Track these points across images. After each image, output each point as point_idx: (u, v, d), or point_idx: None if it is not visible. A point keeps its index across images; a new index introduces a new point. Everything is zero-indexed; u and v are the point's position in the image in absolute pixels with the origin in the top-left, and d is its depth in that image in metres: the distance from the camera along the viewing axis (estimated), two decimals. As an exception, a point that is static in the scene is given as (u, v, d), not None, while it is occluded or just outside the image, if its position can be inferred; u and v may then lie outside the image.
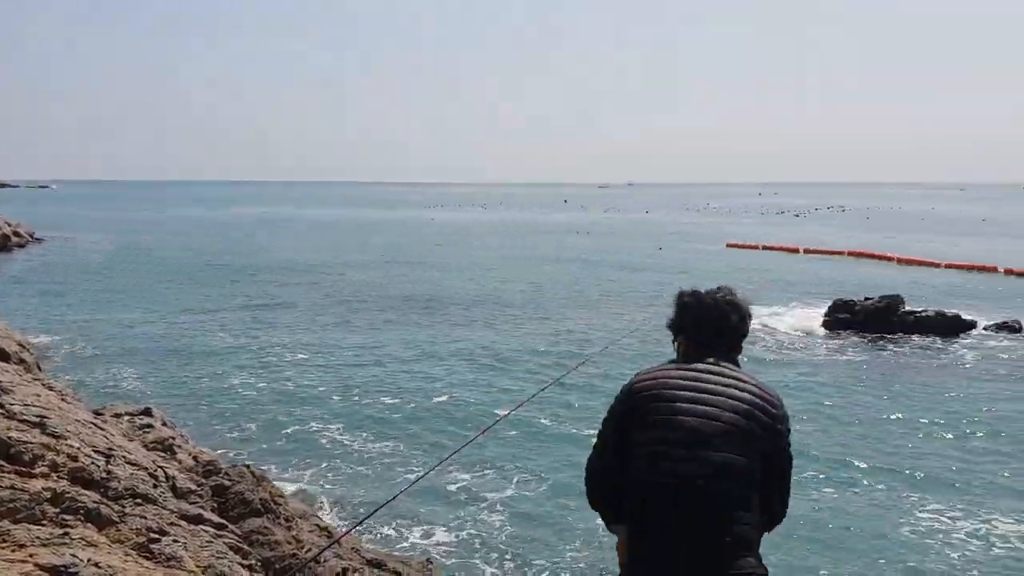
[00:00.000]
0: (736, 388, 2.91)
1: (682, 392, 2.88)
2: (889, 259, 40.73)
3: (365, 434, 13.42)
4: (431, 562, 7.10)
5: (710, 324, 3.10)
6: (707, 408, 2.83)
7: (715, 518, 2.74)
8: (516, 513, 10.38)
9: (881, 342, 21.33)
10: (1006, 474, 11.70)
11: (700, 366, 2.99)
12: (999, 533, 9.78)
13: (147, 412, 9.22)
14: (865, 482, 11.41)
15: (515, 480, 11.41)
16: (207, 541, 5.07)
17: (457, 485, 11.24)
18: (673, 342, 3.26)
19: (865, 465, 12.01)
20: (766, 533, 2.94)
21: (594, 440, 3.11)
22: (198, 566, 4.53)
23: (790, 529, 9.21)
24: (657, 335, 19.44)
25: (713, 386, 2.90)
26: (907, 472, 11.75)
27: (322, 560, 5.71)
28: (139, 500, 5.24)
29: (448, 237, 57.86)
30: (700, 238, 57.35)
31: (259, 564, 5.50)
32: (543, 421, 13.56)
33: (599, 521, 3.20)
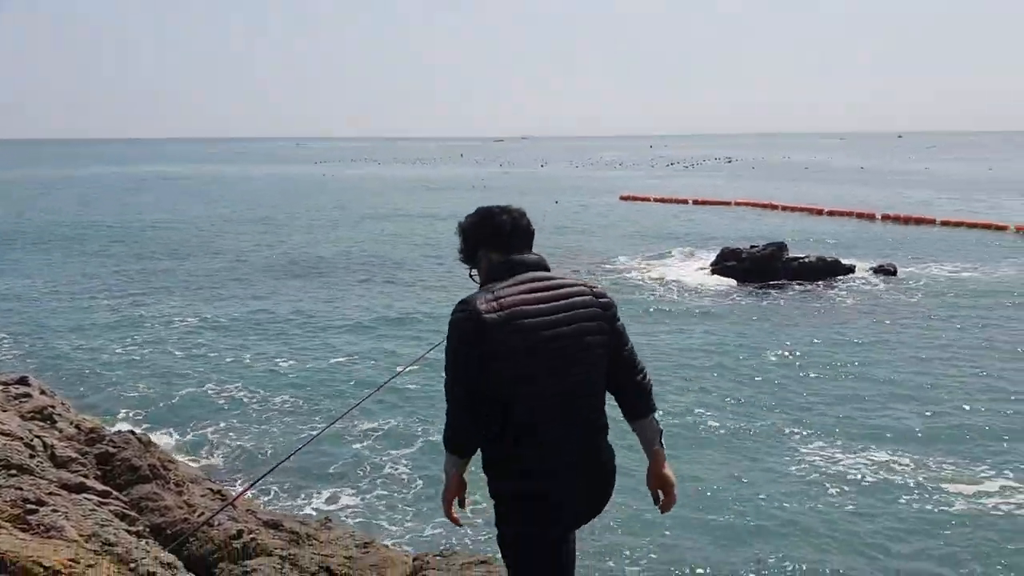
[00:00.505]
0: (575, 295, 3.12)
1: (538, 319, 3.00)
2: (774, 207, 42.19)
3: (260, 396, 13.14)
4: (330, 520, 7.03)
5: (510, 228, 3.28)
6: (565, 329, 3.03)
7: (590, 424, 3.14)
8: (420, 472, 10.35)
9: (766, 288, 22.14)
10: (884, 412, 12.40)
11: (535, 276, 3.14)
12: (877, 466, 10.38)
13: (23, 381, 8.73)
14: (751, 423, 11.88)
15: (418, 439, 11.39)
16: (90, 509, 4.87)
17: (359, 444, 11.15)
18: (470, 272, 3.37)
19: (752, 406, 12.53)
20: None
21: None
22: (81, 535, 4.35)
23: (682, 476, 9.52)
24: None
25: (556, 302, 3.06)
26: (791, 413, 12.31)
27: (215, 523, 5.57)
28: (13, 471, 4.99)
29: (340, 195, 56.72)
30: (595, 191, 58.03)
31: (148, 530, 5.33)
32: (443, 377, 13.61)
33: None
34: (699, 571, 7.99)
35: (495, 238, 3.25)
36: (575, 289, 3.13)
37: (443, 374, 3.16)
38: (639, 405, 3.25)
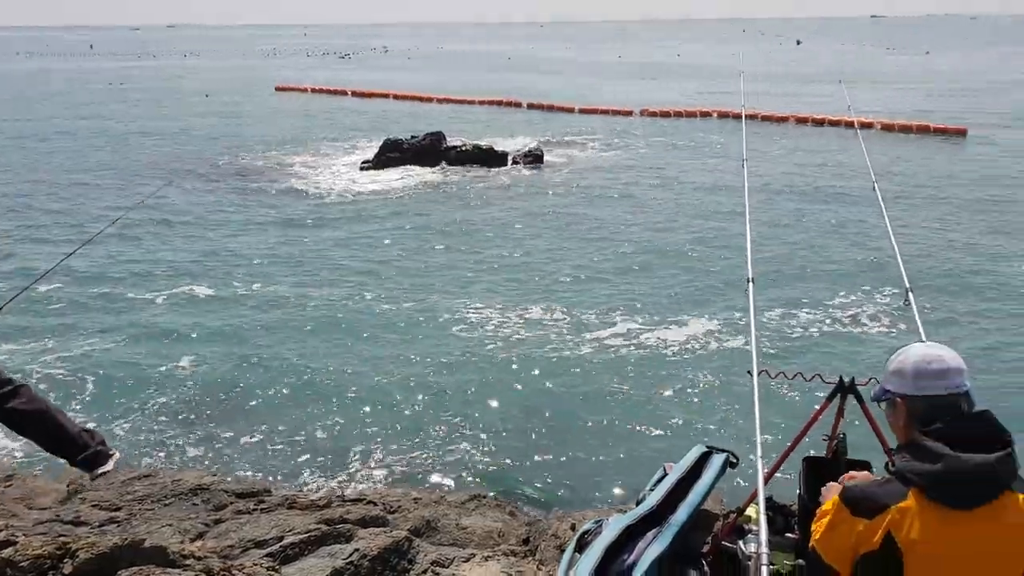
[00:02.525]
0: None
1: None
2: (430, 100, 42.93)
3: None
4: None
5: None
6: None
7: None
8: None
9: (430, 175, 22.74)
10: (537, 277, 13.53)
11: None
12: (535, 321, 11.33)
13: None
14: (425, 299, 12.39)
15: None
16: None
17: None
18: None
19: (423, 287, 13.03)
20: None
21: None
22: None
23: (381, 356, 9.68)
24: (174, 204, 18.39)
25: None
26: (459, 285, 13.01)
27: None
28: None
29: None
30: (248, 82, 55.07)
31: None
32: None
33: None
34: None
35: None
36: None
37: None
38: None
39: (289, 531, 3.94)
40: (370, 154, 24.87)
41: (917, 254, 14.44)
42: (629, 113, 35.91)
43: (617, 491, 7.21)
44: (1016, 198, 19.09)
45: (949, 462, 2.23)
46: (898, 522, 2.27)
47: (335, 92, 46.31)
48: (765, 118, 32.13)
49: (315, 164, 24.44)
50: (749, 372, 4.03)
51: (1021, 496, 2.27)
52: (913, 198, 18.97)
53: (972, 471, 2.23)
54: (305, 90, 47.70)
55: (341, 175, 22.97)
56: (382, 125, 32.00)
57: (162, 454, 8.05)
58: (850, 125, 26.68)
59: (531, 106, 39.12)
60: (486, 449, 8.24)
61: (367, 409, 9.07)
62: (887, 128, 29.42)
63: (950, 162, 23.66)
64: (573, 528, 4.15)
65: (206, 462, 7.86)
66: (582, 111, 37.24)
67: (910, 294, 4.55)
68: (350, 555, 3.62)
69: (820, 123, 30.87)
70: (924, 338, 4.43)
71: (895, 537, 2.25)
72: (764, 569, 3.16)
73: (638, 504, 4.38)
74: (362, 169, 23.68)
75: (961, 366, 2.49)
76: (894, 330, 11.13)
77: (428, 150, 24.39)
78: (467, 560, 3.62)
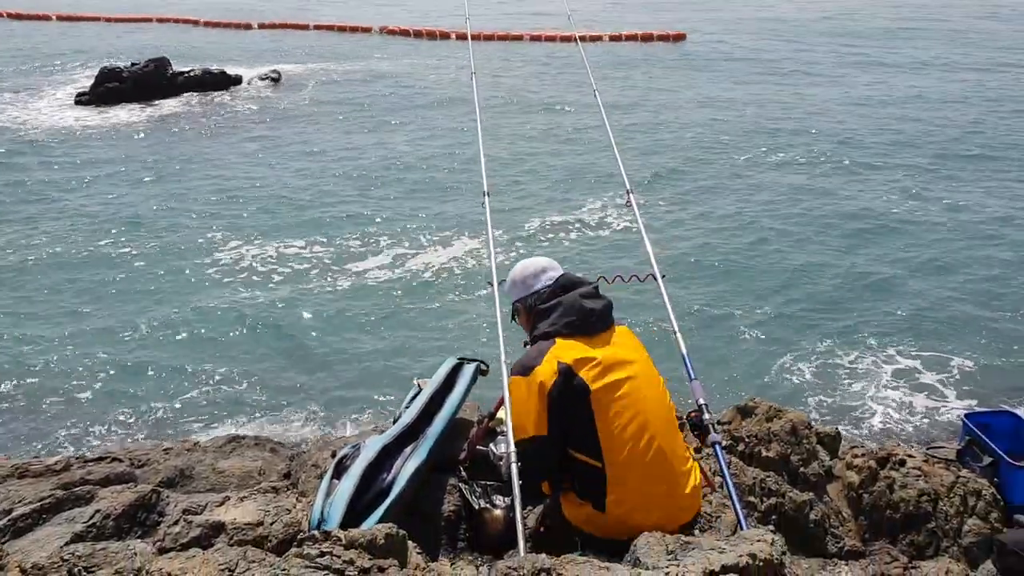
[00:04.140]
0: None
1: None
2: (148, 21, 39.29)
3: None
4: None
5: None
6: None
7: None
8: None
9: (157, 105, 21.05)
10: (286, 208, 13.10)
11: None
12: (298, 255, 11.02)
13: None
14: (157, 243, 11.63)
15: None
16: None
17: None
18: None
19: (177, 225, 12.21)
20: None
21: None
22: None
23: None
24: None
25: None
26: (206, 223, 12.31)
27: None
28: None
29: None
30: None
31: None
32: None
33: None
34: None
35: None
36: None
37: None
38: None
39: (19, 502, 3.63)
40: (86, 85, 22.54)
41: (639, 154, 15.52)
42: (368, 30, 35.01)
43: (376, 414, 7.30)
44: (727, 96, 20.88)
45: (565, 300, 3.15)
46: (558, 354, 3.01)
47: (36, 17, 41.21)
48: (501, 37, 32.62)
49: (18, 101, 21.73)
50: (489, 283, 4.18)
51: (620, 327, 3.27)
52: (634, 104, 20.24)
53: (581, 298, 3.15)
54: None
55: (53, 112, 20.60)
56: (98, 53, 28.96)
57: None
58: (582, 39, 27.70)
59: (263, 26, 37.06)
60: (242, 390, 8.02)
61: (113, 364, 8.48)
62: (615, 39, 30.91)
63: (668, 66, 25.36)
64: (334, 455, 4.15)
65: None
66: (317, 28, 35.84)
67: (630, 195, 4.89)
68: (91, 517, 3.39)
69: (552, 39, 31.79)
70: (643, 229, 4.80)
71: (563, 361, 2.99)
72: (513, 467, 3.36)
73: (395, 423, 4.46)
74: (77, 103, 21.38)
75: (553, 263, 3.40)
76: (619, 228, 12.01)
77: (152, 78, 22.45)
78: (221, 504, 3.51)
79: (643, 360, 3.15)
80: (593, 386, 2.91)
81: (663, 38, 30.64)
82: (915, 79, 22.78)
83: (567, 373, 2.92)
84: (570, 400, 2.90)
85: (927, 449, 5.91)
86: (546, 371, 2.94)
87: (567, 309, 3.10)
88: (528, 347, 3.24)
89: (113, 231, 12.16)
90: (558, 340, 3.04)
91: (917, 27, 32.65)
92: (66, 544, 3.12)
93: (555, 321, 3.09)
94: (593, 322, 3.10)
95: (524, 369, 3.00)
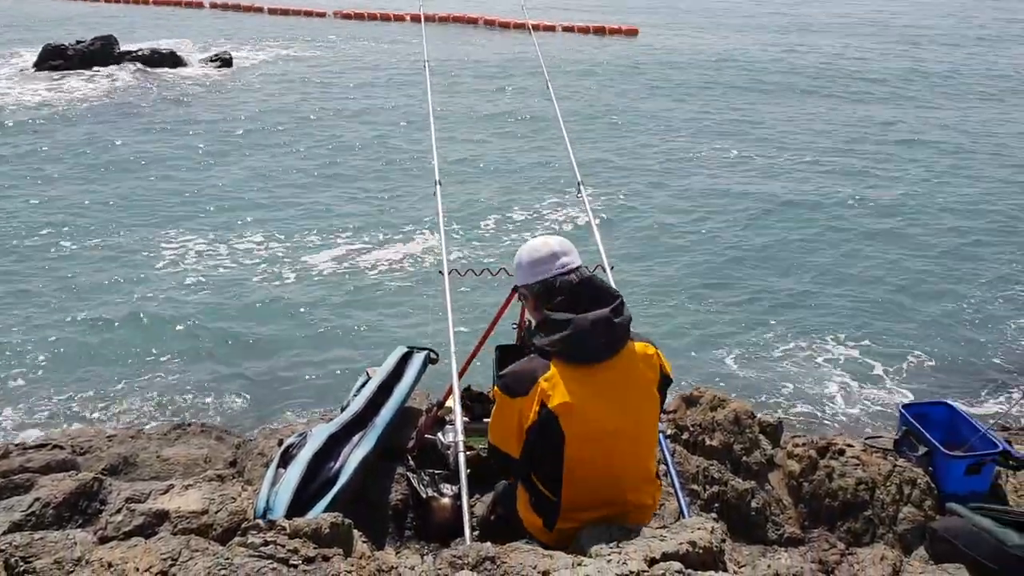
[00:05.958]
0: None
1: None
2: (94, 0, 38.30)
3: None
4: None
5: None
6: None
7: None
8: None
9: (103, 85, 20.51)
10: (234, 199, 12.91)
11: None
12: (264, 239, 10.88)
13: None
14: (99, 237, 11.40)
15: None
16: None
17: None
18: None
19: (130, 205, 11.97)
20: None
21: None
22: None
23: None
24: None
25: None
26: (151, 216, 12.09)
27: None
28: None
29: None
30: None
31: None
32: None
33: None
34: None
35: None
36: None
37: None
38: None
39: (-46, 493, 3.55)
40: (28, 63, 21.93)
41: (591, 147, 15.60)
42: (323, 15, 34.56)
43: (324, 402, 7.26)
44: (679, 91, 21.08)
45: (575, 322, 2.66)
46: (546, 390, 2.67)
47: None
48: (456, 19, 32.51)
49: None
50: (440, 272, 4.19)
51: (637, 344, 2.78)
52: (586, 93, 20.35)
53: (591, 326, 2.65)
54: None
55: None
56: (40, 31, 28.14)
57: None
58: (536, 28, 27.74)
59: (214, 6, 36.36)
60: (188, 378, 7.91)
61: (56, 351, 8.30)
62: (567, 30, 31.00)
63: (621, 60, 25.49)
64: (280, 444, 4.13)
65: None
66: (271, 11, 35.28)
67: (581, 187, 4.94)
68: (30, 506, 3.32)
69: (506, 26, 31.71)
70: (593, 221, 4.84)
71: (548, 404, 2.66)
72: (461, 456, 3.38)
73: (343, 411, 4.45)
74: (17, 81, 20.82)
75: (566, 247, 2.92)
76: (569, 218, 12.08)
77: (98, 56, 21.97)
78: (165, 492, 3.47)
79: (636, 402, 2.79)
80: (569, 434, 2.68)
81: (616, 31, 30.74)
82: (858, 66, 23.25)
83: (548, 418, 2.66)
84: (545, 441, 2.72)
85: (866, 439, 6.06)
86: (528, 407, 2.71)
87: (574, 337, 2.67)
88: (524, 351, 3.08)
89: (48, 225, 11.68)
90: (553, 366, 2.70)
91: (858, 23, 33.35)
92: (3, 534, 3.06)
93: (557, 343, 2.69)
94: (599, 351, 2.71)
95: (510, 391, 2.76)
